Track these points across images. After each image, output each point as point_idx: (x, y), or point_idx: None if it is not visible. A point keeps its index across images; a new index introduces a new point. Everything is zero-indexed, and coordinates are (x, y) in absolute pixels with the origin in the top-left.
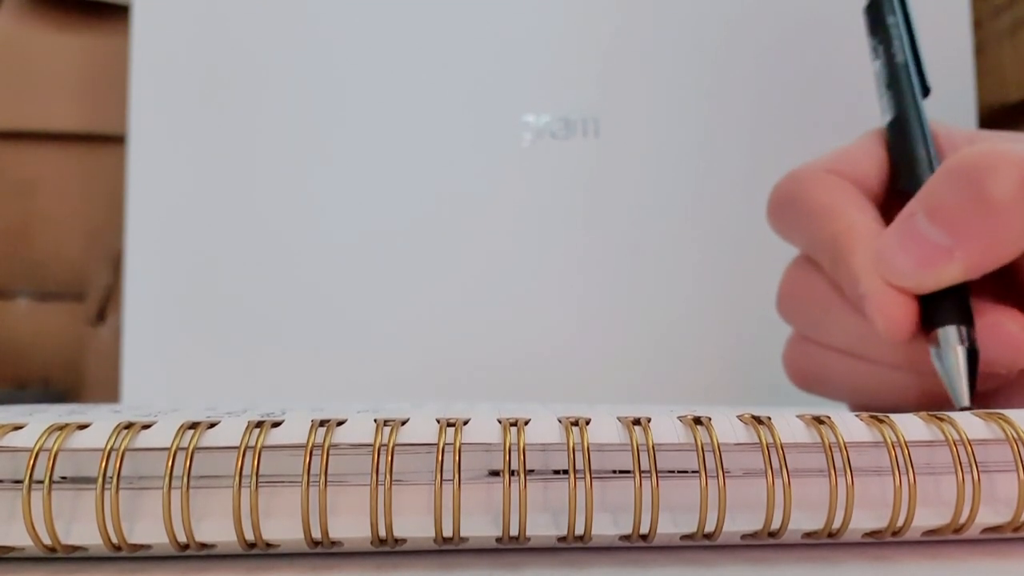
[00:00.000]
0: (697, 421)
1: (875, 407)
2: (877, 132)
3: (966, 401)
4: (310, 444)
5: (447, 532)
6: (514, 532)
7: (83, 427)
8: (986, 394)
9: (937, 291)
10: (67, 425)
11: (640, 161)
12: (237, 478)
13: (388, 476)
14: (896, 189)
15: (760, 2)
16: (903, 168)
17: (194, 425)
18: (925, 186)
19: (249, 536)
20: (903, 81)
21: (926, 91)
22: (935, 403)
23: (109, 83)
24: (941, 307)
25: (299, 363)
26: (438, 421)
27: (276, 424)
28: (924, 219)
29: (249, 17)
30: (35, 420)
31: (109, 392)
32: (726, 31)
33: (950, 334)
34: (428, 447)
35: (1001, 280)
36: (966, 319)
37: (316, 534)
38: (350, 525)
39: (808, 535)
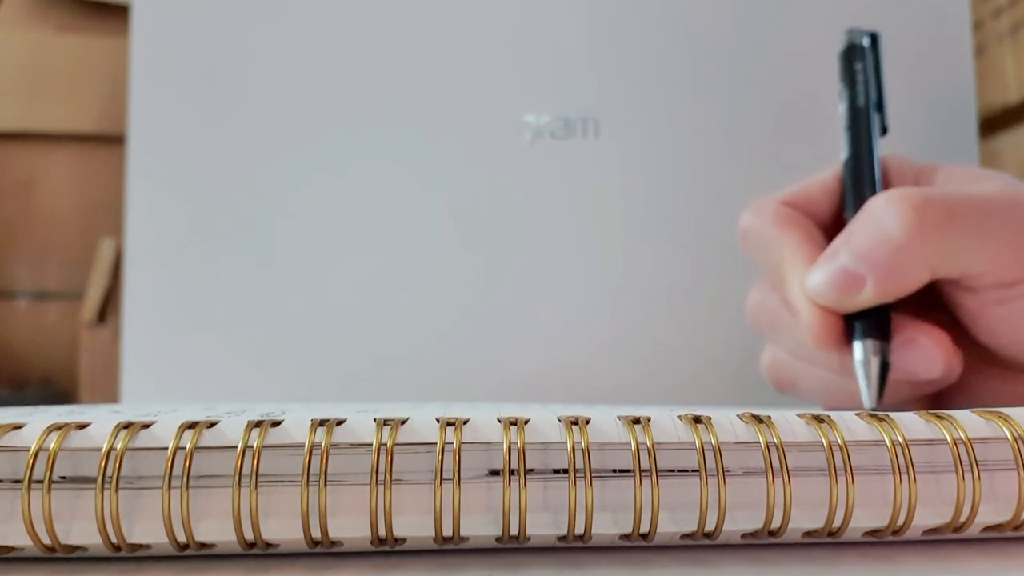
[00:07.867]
0: (697, 420)
1: (833, 408)
2: (837, 168)
3: (871, 404)
4: (310, 444)
5: (447, 532)
6: (514, 531)
7: (83, 427)
8: (926, 397)
9: (859, 310)
10: (66, 425)
11: (640, 161)
12: (237, 478)
13: (388, 476)
14: (846, 220)
15: (759, 3)
16: (851, 203)
17: (193, 425)
18: (849, 223)
19: (249, 536)
20: (860, 125)
21: (884, 130)
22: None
23: (109, 83)
24: (862, 324)
25: (299, 363)
26: (438, 420)
27: (276, 424)
28: (845, 251)
29: (249, 17)
30: (35, 420)
31: (109, 392)
32: (725, 32)
33: (867, 347)
34: (428, 446)
35: (930, 299)
36: (883, 335)
37: (316, 534)
38: (350, 525)
39: (808, 534)
